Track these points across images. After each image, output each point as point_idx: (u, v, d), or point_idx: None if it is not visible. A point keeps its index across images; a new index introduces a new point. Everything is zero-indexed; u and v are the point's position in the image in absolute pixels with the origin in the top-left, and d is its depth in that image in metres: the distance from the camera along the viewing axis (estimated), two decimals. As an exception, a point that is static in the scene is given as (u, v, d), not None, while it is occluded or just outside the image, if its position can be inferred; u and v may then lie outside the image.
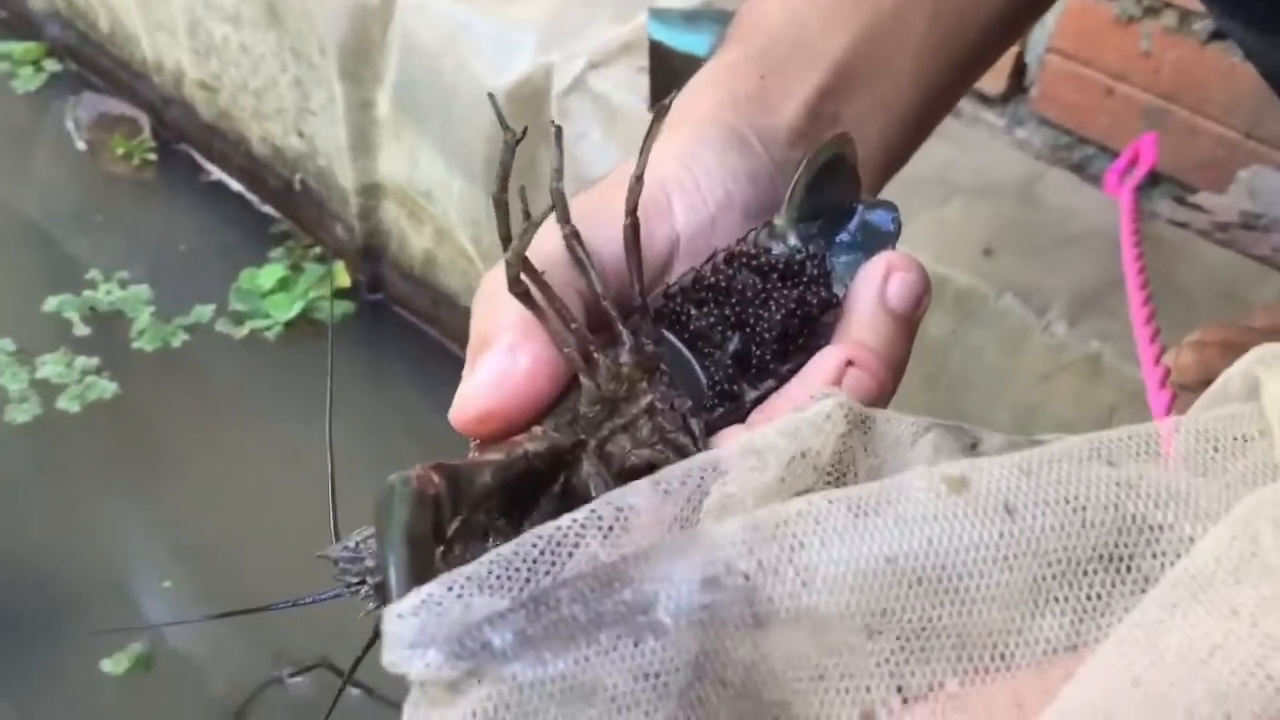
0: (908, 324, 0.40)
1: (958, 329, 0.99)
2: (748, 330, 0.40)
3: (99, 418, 1.44)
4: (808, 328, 0.40)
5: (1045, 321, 0.95)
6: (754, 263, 0.41)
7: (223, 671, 1.18)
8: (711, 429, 0.39)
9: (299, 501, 1.34)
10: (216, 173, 1.79)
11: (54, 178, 1.79)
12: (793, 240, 0.42)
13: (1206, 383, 0.84)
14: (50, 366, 1.49)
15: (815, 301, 0.40)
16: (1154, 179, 1.13)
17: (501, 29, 1.25)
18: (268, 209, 1.73)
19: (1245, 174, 1.12)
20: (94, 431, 1.43)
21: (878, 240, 0.43)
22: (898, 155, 0.54)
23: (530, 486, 0.36)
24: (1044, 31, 1.22)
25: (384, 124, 1.44)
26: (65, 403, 1.45)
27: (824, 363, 0.38)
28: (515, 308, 0.37)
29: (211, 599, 1.25)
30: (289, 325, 1.56)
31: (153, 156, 1.81)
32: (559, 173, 0.39)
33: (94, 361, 1.50)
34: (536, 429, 0.37)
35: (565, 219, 0.39)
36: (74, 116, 1.85)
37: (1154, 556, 0.24)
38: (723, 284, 0.40)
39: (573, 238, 0.39)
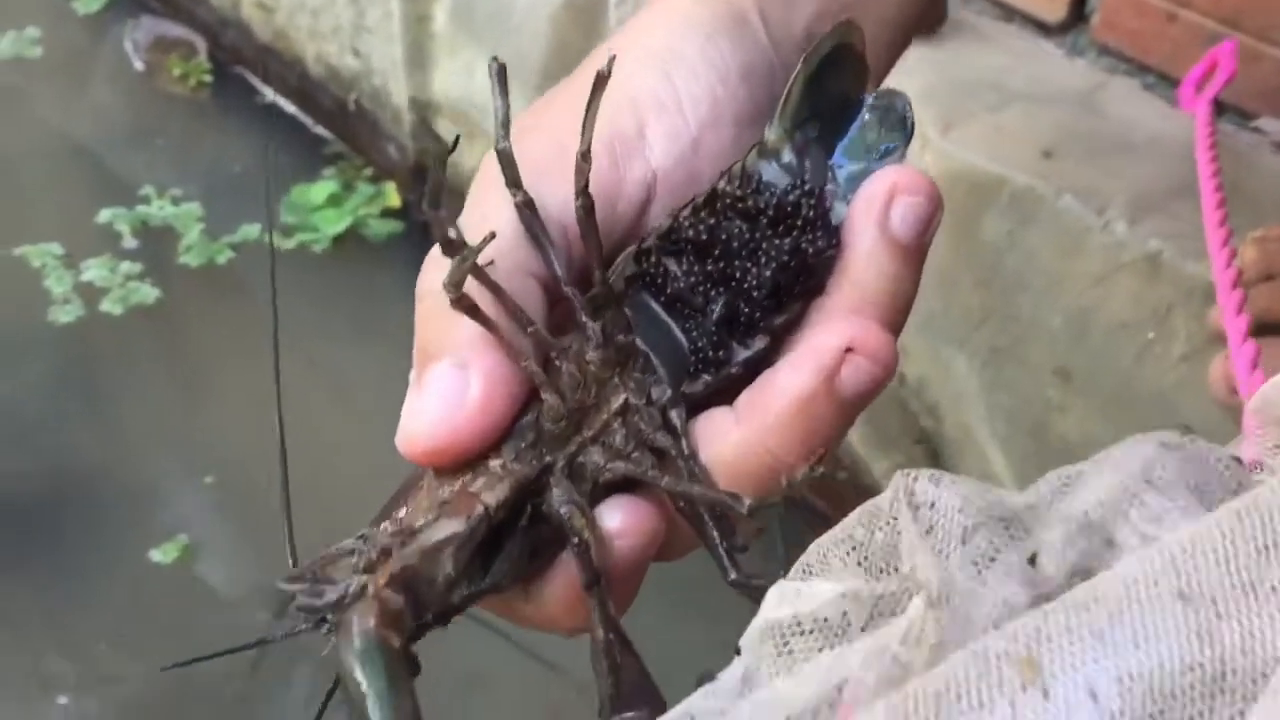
0: (916, 253, 0.35)
1: (1014, 230, 0.99)
2: (734, 288, 0.35)
3: (141, 322, 1.46)
4: (803, 276, 0.35)
5: (1104, 221, 0.94)
6: (740, 205, 0.35)
7: (267, 560, 1.19)
8: (695, 403, 0.36)
9: (334, 412, 1.36)
10: (271, 94, 1.80)
11: (112, 98, 1.81)
12: (786, 157, 0.36)
13: (1269, 277, 0.84)
14: (95, 270, 1.51)
15: (811, 250, 0.35)
16: (1217, 107, 1.11)
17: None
18: (321, 130, 1.74)
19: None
20: (136, 335, 1.45)
21: (888, 138, 0.38)
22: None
23: (495, 529, 0.34)
24: None
25: (440, 39, 1.45)
26: (108, 305, 1.47)
27: (821, 344, 0.33)
28: (463, 318, 0.33)
29: (252, 497, 1.26)
30: (337, 240, 1.57)
31: (209, 78, 1.82)
32: (505, 127, 0.34)
33: (138, 268, 1.52)
34: (494, 464, 0.34)
35: (516, 182, 0.34)
36: (132, 38, 1.87)
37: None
38: (703, 235, 0.35)
39: (526, 208, 0.34)
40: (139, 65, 1.84)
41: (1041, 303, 0.98)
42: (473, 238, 0.33)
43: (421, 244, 1.58)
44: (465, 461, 0.34)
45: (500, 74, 0.34)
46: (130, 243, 1.56)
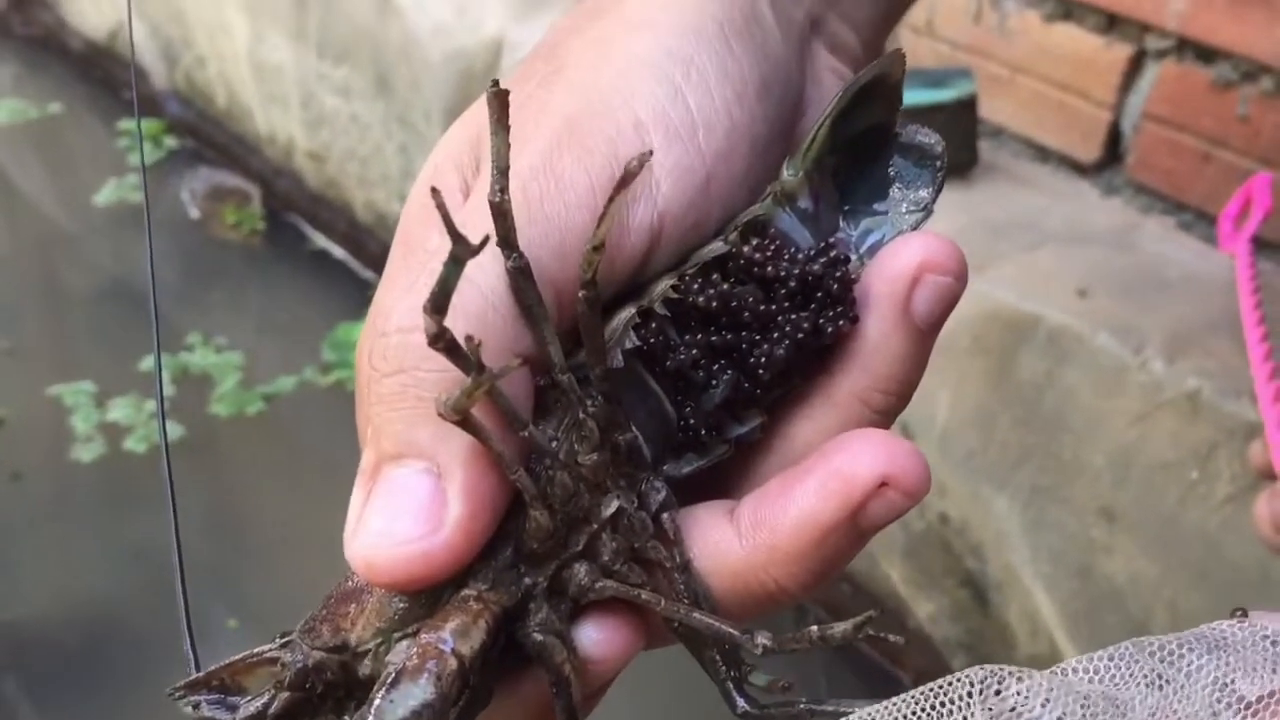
0: (934, 334, 0.31)
1: (1051, 369, 0.98)
2: (741, 364, 0.30)
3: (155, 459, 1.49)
4: (818, 355, 0.31)
5: (1141, 359, 0.94)
6: (757, 271, 0.31)
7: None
8: (677, 485, 0.31)
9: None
10: (321, 240, 1.85)
11: (167, 244, 1.87)
12: (804, 202, 0.32)
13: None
14: (120, 410, 1.54)
15: (831, 330, 0.30)
16: (1256, 243, 1.12)
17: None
18: (369, 274, 1.78)
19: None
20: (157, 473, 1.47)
21: (918, 182, 0.33)
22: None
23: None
24: (1139, 98, 1.22)
25: (484, 186, 1.49)
26: (131, 443, 1.50)
27: (850, 471, 0.29)
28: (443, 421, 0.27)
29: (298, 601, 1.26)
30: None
31: (261, 225, 1.88)
32: (503, 173, 0.27)
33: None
34: (467, 592, 0.29)
35: (511, 244, 0.27)
36: (190, 188, 1.94)
37: None
38: (713, 304, 0.30)
39: (521, 275, 0.28)
40: (194, 213, 1.90)
41: (1082, 442, 0.98)
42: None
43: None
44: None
45: (500, 102, 0.27)
46: (168, 389, 1.59)
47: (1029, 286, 1.02)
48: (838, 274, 0.30)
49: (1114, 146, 1.24)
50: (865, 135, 0.33)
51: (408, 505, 0.27)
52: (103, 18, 2.18)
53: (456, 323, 0.26)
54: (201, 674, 0.31)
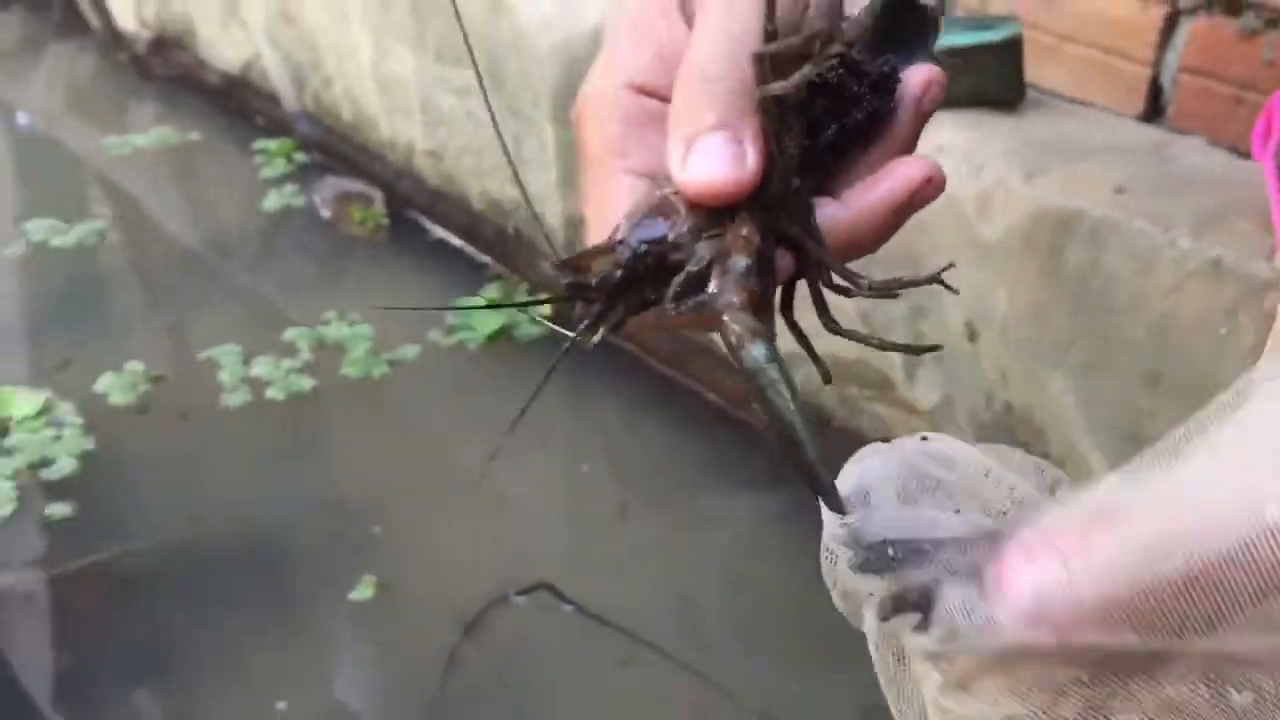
0: (927, 120, 0.46)
1: (1095, 257, 1.13)
2: (840, 122, 0.43)
3: (300, 407, 1.69)
4: (872, 126, 0.45)
5: (1171, 238, 1.08)
6: (860, 69, 0.44)
7: (455, 592, 1.35)
8: None
9: (486, 487, 1.54)
10: (440, 231, 2.05)
11: (303, 241, 2.09)
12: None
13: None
14: (262, 367, 1.75)
15: (884, 111, 0.45)
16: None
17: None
18: (484, 258, 1.98)
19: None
20: (295, 416, 1.68)
21: (922, 31, 0.48)
22: None
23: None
24: (1175, 54, 1.36)
25: (588, 160, 1.68)
26: (272, 393, 1.70)
27: (911, 174, 0.43)
28: (735, 96, 0.40)
29: (418, 536, 1.44)
30: (491, 338, 1.78)
31: (385, 221, 2.09)
32: None
33: (298, 364, 1.75)
34: (751, 213, 0.41)
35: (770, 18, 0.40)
36: (320, 194, 2.16)
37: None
38: (835, 81, 0.42)
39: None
40: (325, 214, 2.12)
41: (1125, 318, 1.12)
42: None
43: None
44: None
45: None
46: (307, 355, 1.79)
47: (1073, 190, 1.17)
48: (895, 80, 0.45)
49: (1155, 101, 1.38)
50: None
51: (723, 155, 0.40)
52: (237, 52, 2.43)
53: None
54: (561, 260, 0.40)
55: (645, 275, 0.40)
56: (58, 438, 1.57)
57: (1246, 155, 1.25)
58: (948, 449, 0.43)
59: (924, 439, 0.43)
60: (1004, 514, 0.40)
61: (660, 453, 1.62)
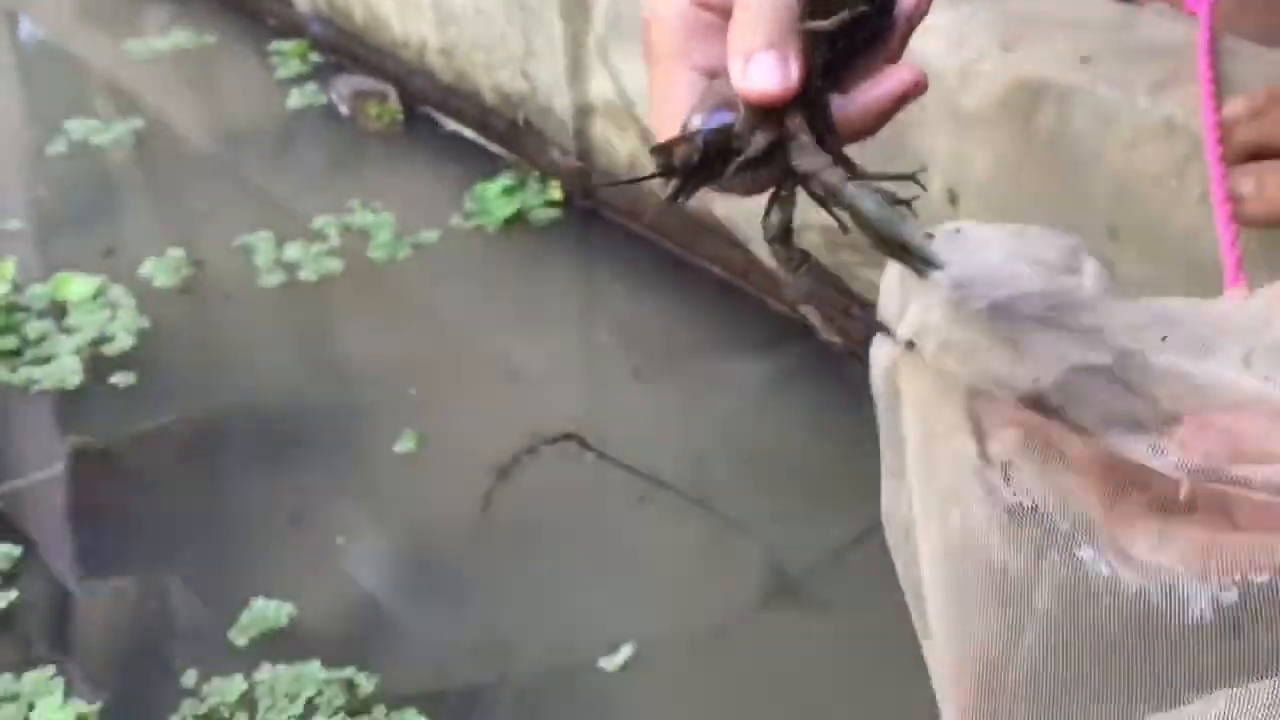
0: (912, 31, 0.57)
1: (1063, 117, 1.25)
2: (851, 39, 0.53)
3: (330, 287, 1.83)
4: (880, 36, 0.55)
5: (1130, 98, 1.20)
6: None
7: (487, 444, 1.50)
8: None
9: (498, 351, 1.68)
10: (453, 124, 2.17)
11: (324, 136, 2.20)
12: None
13: (1256, 114, 1.07)
14: (293, 250, 1.88)
15: (887, 27, 0.55)
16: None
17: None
18: (496, 148, 2.10)
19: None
20: (327, 295, 1.82)
21: None
22: None
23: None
24: None
25: (595, 51, 1.79)
26: (304, 274, 1.83)
27: (906, 76, 0.53)
28: (778, 24, 0.49)
29: (449, 395, 1.59)
30: (507, 221, 1.91)
31: (400, 117, 2.20)
32: None
33: (327, 247, 1.89)
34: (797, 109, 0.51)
35: None
36: (337, 92, 2.27)
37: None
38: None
39: None
40: (344, 110, 2.23)
41: (1089, 174, 1.24)
42: None
43: (578, 229, 1.92)
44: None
45: None
46: (335, 241, 1.91)
47: (1044, 60, 1.29)
48: (891, 3, 0.55)
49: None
50: None
51: (774, 69, 0.49)
52: (249, -44, 2.52)
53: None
54: (654, 145, 0.51)
55: (715, 156, 0.51)
56: (114, 317, 1.70)
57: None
58: (982, 234, 0.55)
59: (957, 230, 0.56)
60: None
61: (670, 323, 1.75)
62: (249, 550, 1.39)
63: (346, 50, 2.37)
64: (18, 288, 1.74)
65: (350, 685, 1.21)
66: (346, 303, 1.80)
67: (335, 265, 1.85)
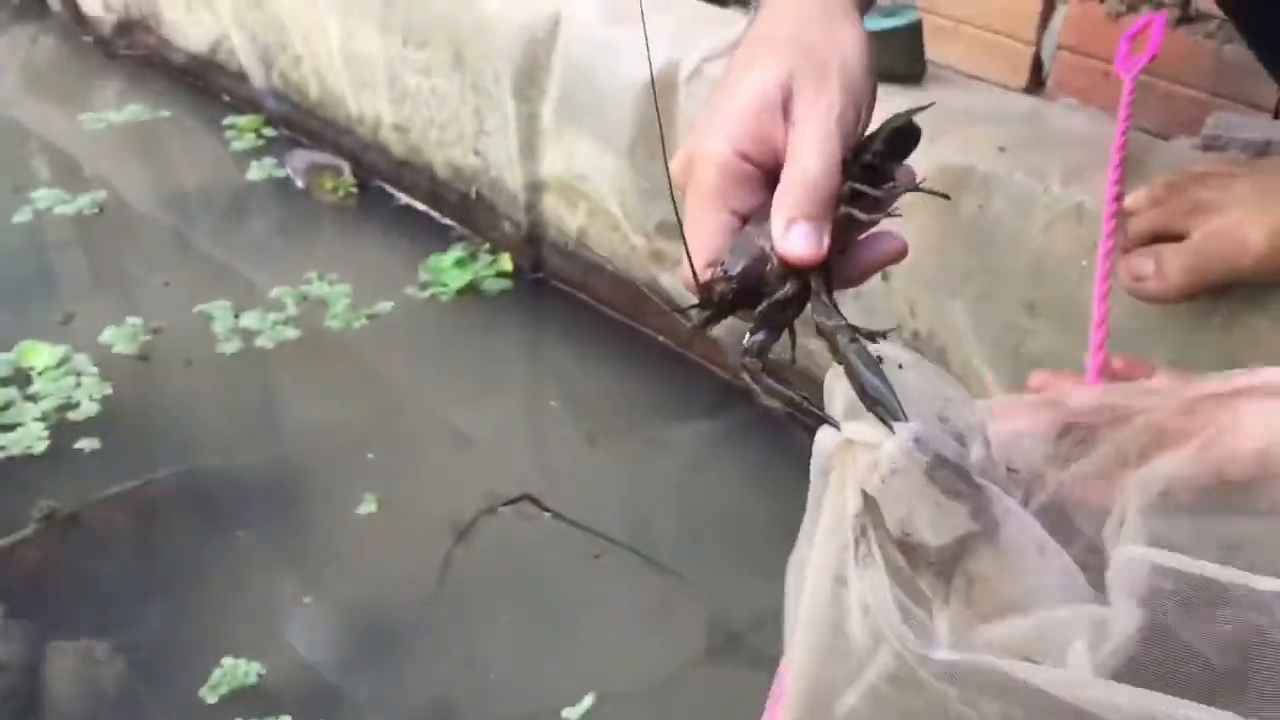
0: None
1: (984, 203, 1.37)
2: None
3: (289, 354, 1.89)
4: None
5: (1045, 186, 1.32)
6: (877, 161, 0.67)
7: (446, 506, 1.56)
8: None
9: (454, 411, 1.75)
10: (405, 198, 2.25)
11: (281, 208, 2.27)
12: (878, 146, 0.68)
13: (1155, 202, 1.19)
14: (249, 319, 1.94)
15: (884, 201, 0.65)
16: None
17: (639, 39, 1.69)
18: (448, 221, 2.18)
19: (1210, 119, 1.48)
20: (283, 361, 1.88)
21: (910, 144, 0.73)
22: None
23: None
24: (1054, 35, 1.61)
25: (547, 130, 1.89)
26: (261, 342, 1.90)
27: (893, 244, 0.66)
28: (821, 201, 0.61)
29: (409, 461, 1.65)
30: (460, 292, 2.00)
31: (354, 190, 2.28)
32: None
33: (283, 316, 1.95)
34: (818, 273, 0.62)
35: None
36: (292, 165, 2.34)
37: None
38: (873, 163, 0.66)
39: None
40: (300, 184, 2.31)
41: (1009, 253, 1.36)
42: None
43: (529, 299, 2.00)
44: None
45: None
46: (293, 310, 1.98)
47: (966, 149, 1.40)
48: (891, 186, 0.66)
49: (1038, 74, 1.63)
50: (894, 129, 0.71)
51: (811, 237, 0.59)
52: (203, 33, 2.59)
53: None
54: (698, 283, 0.62)
55: (745, 296, 0.61)
56: (78, 384, 1.75)
57: (1111, 116, 1.50)
58: (896, 353, 0.58)
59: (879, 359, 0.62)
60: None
61: (618, 388, 1.83)
62: (217, 610, 1.44)
63: (301, 125, 2.45)
64: (-20, 356, 1.78)
65: (322, 737, 1.26)
66: (304, 370, 1.87)
67: (291, 334, 1.91)
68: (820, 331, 0.58)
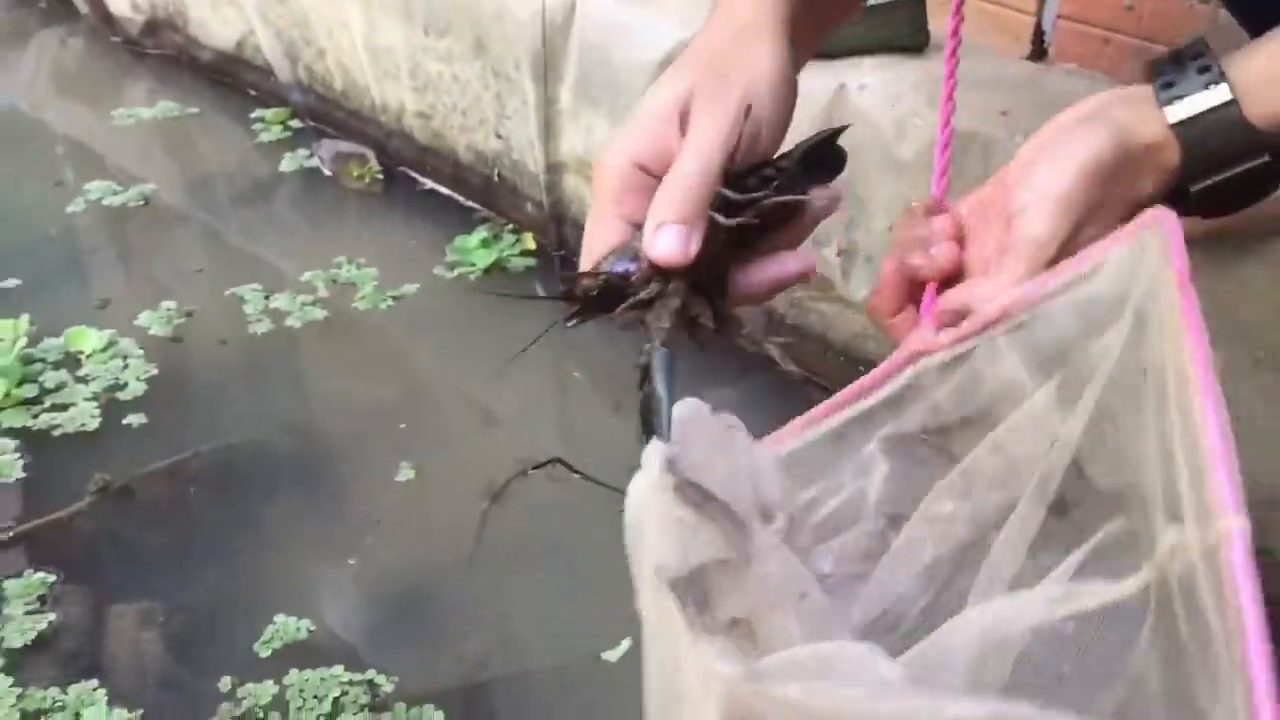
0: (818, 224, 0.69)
1: (988, 165, 1.43)
2: (761, 226, 0.65)
3: (316, 331, 1.97)
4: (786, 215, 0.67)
5: (1045, 146, 1.38)
6: (784, 170, 0.67)
7: (479, 473, 1.64)
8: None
9: (480, 383, 1.81)
10: (429, 183, 2.32)
11: (310, 196, 2.35)
12: (797, 155, 0.68)
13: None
14: (280, 301, 2.02)
15: (792, 215, 0.67)
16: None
17: (651, 20, 1.76)
18: (471, 203, 2.25)
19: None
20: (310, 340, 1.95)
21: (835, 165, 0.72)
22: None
23: None
24: (1054, 4, 1.67)
25: (565, 112, 1.96)
26: (290, 322, 1.97)
27: (790, 266, 0.66)
28: (692, 201, 0.61)
29: (442, 430, 1.72)
30: (487, 271, 2.07)
31: (380, 177, 2.36)
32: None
33: (312, 298, 2.02)
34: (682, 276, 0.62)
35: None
36: (320, 155, 2.42)
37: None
38: (771, 175, 0.66)
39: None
40: (328, 172, 2.38)
41: (1012, 212, 1.42)
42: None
43: (551, 276, 2.07)
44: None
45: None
46: (323, 293, 2.05)
47: (969, 114, 1.46)
48: (796, 203, 0.67)
49: (1040, 43, 1.69)
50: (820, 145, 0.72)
51: (677, 240, 0.60)
52: (229, 30, 2.67)
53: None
54: (565, 274, 0.71)
55: (611, 292, 0.62)
56: (125, 366, 1.83)
57: (1112, 83, 1.56)
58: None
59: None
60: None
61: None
62: (265, 573, 1.52)
63: (327, 116, 2.52)
64: (31, 341, 1.86)
65: (372, 685, 1.33)
66: (334, 348, 1.94)
67: (320, 314, 1.98)
68: (644, 326, 0.61)
